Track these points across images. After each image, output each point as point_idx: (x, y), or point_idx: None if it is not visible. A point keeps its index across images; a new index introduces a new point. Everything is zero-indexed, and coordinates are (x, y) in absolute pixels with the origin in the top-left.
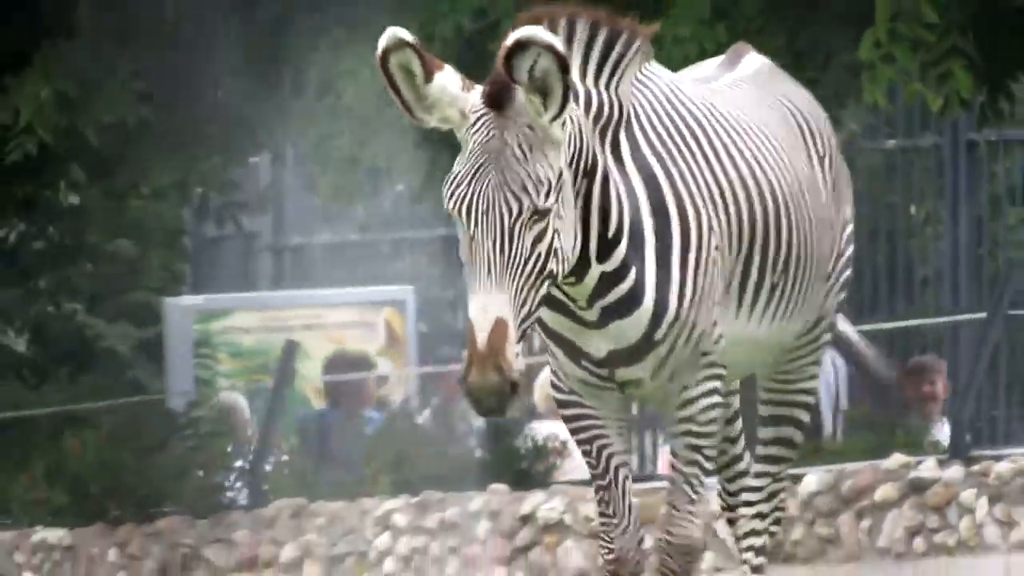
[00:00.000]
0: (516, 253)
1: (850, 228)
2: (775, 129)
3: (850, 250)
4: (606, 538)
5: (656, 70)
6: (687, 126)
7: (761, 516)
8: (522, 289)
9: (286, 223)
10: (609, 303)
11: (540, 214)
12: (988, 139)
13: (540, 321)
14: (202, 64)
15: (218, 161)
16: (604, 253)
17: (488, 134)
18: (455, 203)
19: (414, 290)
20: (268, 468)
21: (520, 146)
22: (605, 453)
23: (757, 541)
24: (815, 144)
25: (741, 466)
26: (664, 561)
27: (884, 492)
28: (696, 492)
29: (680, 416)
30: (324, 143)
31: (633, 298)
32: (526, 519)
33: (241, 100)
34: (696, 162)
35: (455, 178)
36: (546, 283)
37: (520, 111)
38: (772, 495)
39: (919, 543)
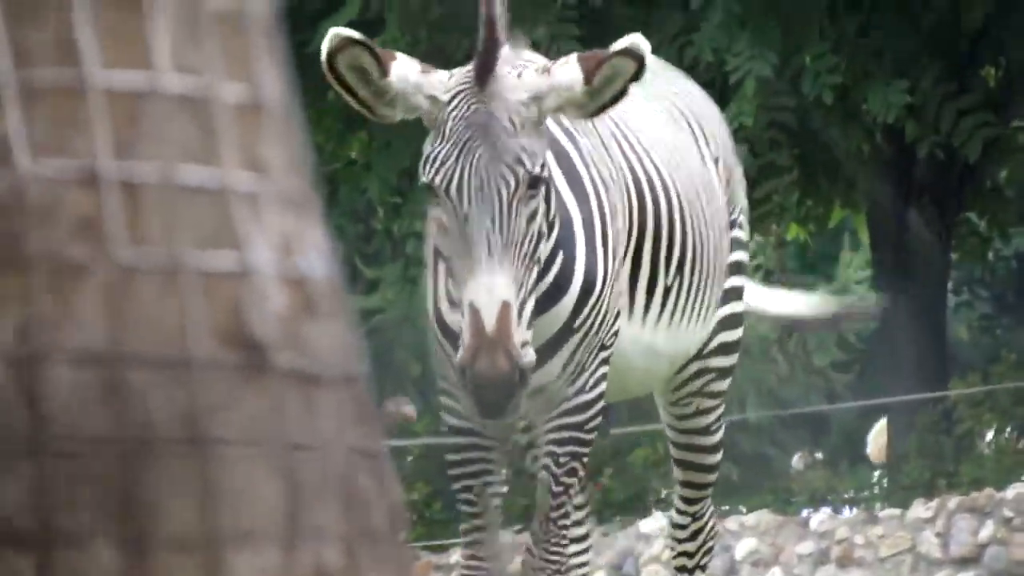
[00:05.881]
0: (515, 230)
1: (737, 233)
2: (665, 129)
3: (736, 256)
4: None
5: None
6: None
7: (688, 555)
8: (520, 271)
9: None
10: (536, 298)
11: (535, 186)
12: None
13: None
14: None
15: None
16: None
17: (470, 109)
18: (442, 182)
19: None
20: None
21: (510, 119)
22: (489, 491)
23: None
24: (707, 145)
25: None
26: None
27: None
28: (572, 504)
29: (569, 422)
30: None
31: (558, 287)
32: None
33: None
34: (592, 144)
35: (436, 156)
36: (536, 269)
37: (506, 85)
38: (695, 534)
39: None
